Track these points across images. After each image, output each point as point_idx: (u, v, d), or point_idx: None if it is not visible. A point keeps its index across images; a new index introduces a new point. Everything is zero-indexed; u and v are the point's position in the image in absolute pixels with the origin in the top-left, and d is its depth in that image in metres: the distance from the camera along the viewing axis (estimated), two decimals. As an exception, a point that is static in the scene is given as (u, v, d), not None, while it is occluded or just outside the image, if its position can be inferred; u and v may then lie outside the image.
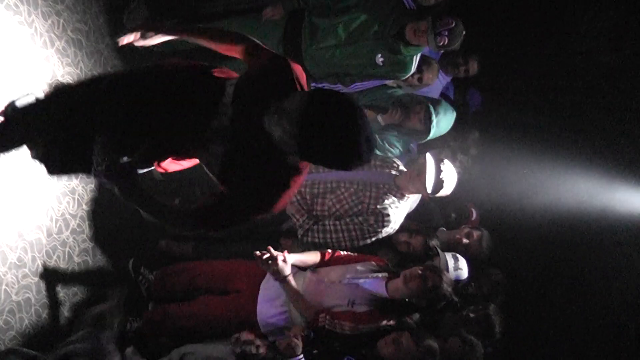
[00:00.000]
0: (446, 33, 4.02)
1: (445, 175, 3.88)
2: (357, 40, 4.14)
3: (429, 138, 4.37)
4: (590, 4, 5.06)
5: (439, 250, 4.12)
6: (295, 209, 4.03)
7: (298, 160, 2.18)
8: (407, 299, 3.61)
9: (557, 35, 5.23)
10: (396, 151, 4.47)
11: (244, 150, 2.23)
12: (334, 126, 1.98)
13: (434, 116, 4.21)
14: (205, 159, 2.38)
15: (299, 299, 3.59)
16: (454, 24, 4.05)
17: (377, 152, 4.38)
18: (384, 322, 3.57)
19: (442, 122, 4.29)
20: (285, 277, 3.54)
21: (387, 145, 4.43)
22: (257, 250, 3.62)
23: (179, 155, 2.50)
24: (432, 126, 4.23)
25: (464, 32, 4.10)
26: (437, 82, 4.91)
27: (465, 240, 4.40)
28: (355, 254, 3.91)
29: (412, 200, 4.12)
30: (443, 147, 4.79)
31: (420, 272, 3.57)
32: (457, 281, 3.99)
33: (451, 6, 4.52)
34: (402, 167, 4.17)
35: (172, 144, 2.43)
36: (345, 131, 1.98)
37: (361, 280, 3.66)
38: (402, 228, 4.08)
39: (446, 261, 4.06)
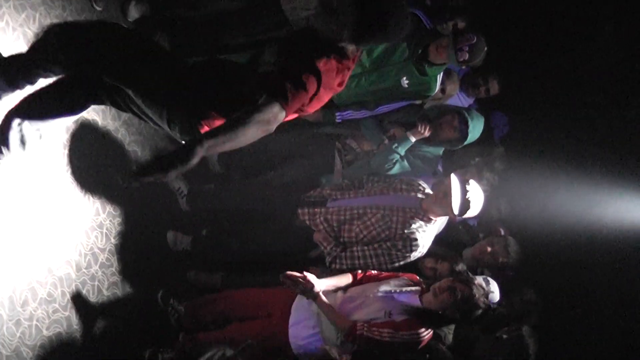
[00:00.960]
0: (467, 48, 4.01)
1: (471, 196, 3.85)
2: (381, 66, 4.14)
3: (465, 144, 4.35)
4: (609, 17, 5.01)
5: (469, 274, 4.09)
6: (323, 236, 4.03)
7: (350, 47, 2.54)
8: (440, 311, 3.60)
9: (578, 48, 5.19)
10: (429, 168, 4.54)
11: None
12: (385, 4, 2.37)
13: (470, 121, 4.19)
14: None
15: (333, 313, 3.58)
16: (475, 40, 4.04)
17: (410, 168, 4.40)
18: (423, 331, 3.54)
19: (476, 126, 4.28)
20: (315, 294, 3.55)
21: (420, 162, 4.44)
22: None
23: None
24: (468, 132, 4.22)
25: (485, 48, 4.08)
26: (458, 103, 4.89)
27: (489, 249, 4.34)
28: (387, 273, 3.91)
29: (439, 223, 4.09)
30: (468, 164, 4.76)
31: (449, 284, 3.57)
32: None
33: (472, 27, 4.53)
34: (428, 190, 4.15)
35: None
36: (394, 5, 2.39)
37: (395, 294, 3.66)
38: (429, 253, 4.06)
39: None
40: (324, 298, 3.58)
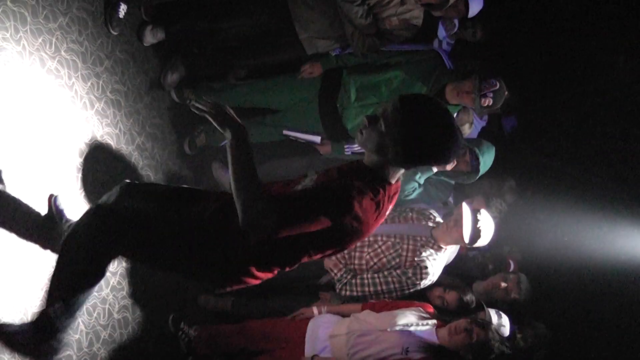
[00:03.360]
0: (491, 94, 4.02)
1: (482, 225, 3.86)
2: None
3: (477, 177, 4.34)
4: (623, 46, 5.00)
5: (484, 305, 4.08)
6: (333, 263, 4.03)
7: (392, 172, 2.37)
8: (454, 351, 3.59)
9: (591, 79, 5.17)
10: (443, 195, 4.58)
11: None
12: (433, 120, 2.20)
13: (480, 157, 4.20)
14: None
15: None
16: (498, 86, 4.05)
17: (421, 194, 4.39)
18: None
19: (487, 160, 4.27)
20: None
21: (434, 190, 4.44)
22: (296, 305, 3.69)
23: None
24: (480, 166, 4.22)
25: (506, 93, 4.10)
26: (473, 127, 4.89)
27: (503, 284, 4.35)
28: (401, 301, 3.91)
29: (449, 252, 4.09)
30: (478, 193, 4.75)
31: (466, 326, 3.55)
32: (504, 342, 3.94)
33: (485, 64, 4.55)
34: (439, 219, 4.15)
35: None
36: (443, 122, 2.21)
37: (412, 328, 3.64)
38: (438, 283, 4.05)
39: (490, 317, 4.02)
40: None
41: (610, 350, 4.87)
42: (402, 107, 2.21)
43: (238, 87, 4.49)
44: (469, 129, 4.69)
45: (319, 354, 3.67)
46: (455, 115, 4.37)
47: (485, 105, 4.04)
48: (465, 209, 3.88)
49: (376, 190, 2.34)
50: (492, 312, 4.06)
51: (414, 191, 4.28)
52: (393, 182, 2.43)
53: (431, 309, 3.87)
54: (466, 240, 3.84)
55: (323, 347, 3.68)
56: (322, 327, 3.79)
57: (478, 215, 3.88)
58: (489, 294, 4.36)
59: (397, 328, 3.63)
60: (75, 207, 3.39)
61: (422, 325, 3.67)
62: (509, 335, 4.06)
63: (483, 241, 3.91)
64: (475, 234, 3.85)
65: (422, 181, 4.28)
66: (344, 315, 3.89)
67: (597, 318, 4.98)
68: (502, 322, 4.04)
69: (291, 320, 3.95)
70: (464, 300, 4.08)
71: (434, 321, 3.72)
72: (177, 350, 4.14)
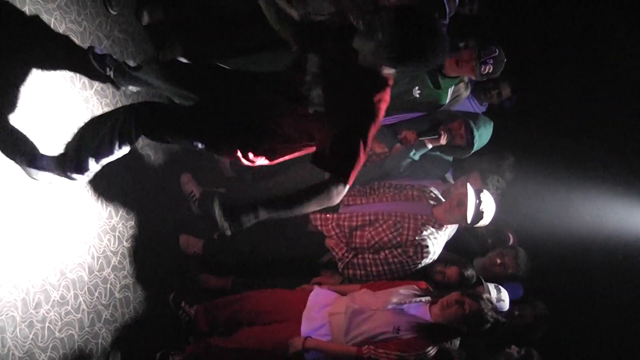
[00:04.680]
0: (491, 61, 4.02)
1: (484, 206, 3.86)
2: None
3: (472, 152, 4.34)
4: (623, 20, 4.98)
5: (482, 280, 4.10)
6: (334, 242, 4.04)
7: (386, 71, 2.56)
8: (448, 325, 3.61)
9: (591, 54, 5.15)
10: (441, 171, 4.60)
11: (339, 82, 2.61)
12: (423, 25, 2.36)
13: (475, 131, 4.20)
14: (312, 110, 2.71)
15: (332, 348, 3.63)
16: (497, 53, 4.05)
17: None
18: (430, 349, 3.56)
19: (484, 134, 4.27)
20: (303, 349, 3.60)
21: (431, 165, 4.45)
22: (297, 283, 3.71)
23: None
24: (475, 140, 4.22)
25: (505, 60, 4.10)
26: (471, 110, 4.88)
27: (498, 260, 4.38)
28: (397, 281, 3.92)
29: (450, 230, 4.10)
30: (476, 169, 4.75)
31: (457, 298, 3.57)
32: (499, 312, 3.96)
33: (482, 30, 4.52)
34: (439, 197, 4.15)
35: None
36: (432, 25, 2.37)
37: (405, 305, 3.66)
38: (438, 258, 4.06)
39: (489, 291, 4.04)
40: (313, 342, 3.62)
41: (608, 326, 4.91)
42: (397, 12, 2.39)
43: (234, 61, 4.46)
44: (465, 90, 4.66)
45: (317, 331, 3.69)
46: (452, 89, 4.36)
47: (486, 72, 4.05)
48: (470, 190, 3.87)
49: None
50: (491, 287, 4.09)
51: (407, 168, 4.29)
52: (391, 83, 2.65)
53: (424, 286, 3.88)
54: (469, 221, 3.85)
55: (321, 325, 3.70)
56: (319, 306, 3.80)
57: (481, 195, 3.88)
58: (487, 270, 4.39)
59: (390, 307, 3.65)
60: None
61: (415, 301, 3.69)
62: (508, 309, 4.10)
63: (484, 222, 3.91)
64: (478, 215, 3.85)
65: (417, 157, 4.28)
66: (342, 293, 3.91)
67: (595, 294, 5.01)
68: (501, 297, 4.07)
69: (292, 293, 3.96)
70: (465, 275, 4.09)
71: (428, 297, 3.74)
72: (179, 330, 4.16)
